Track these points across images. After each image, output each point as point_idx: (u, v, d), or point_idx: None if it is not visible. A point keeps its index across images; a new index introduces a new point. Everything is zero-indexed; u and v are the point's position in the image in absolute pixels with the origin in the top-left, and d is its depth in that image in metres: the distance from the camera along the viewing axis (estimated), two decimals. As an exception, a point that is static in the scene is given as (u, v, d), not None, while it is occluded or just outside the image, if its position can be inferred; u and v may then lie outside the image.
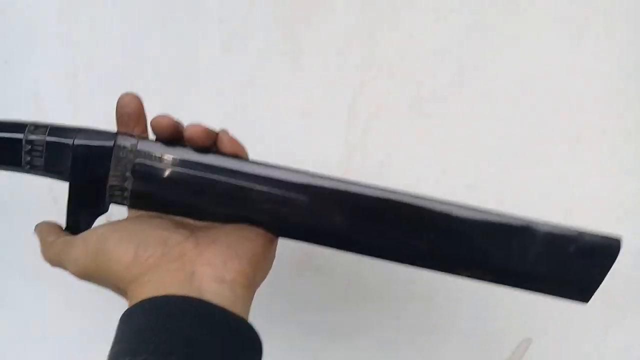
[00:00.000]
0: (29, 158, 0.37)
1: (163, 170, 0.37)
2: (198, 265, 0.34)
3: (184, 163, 0.37)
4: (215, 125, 0.38)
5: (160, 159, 0.37)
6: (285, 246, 0.51)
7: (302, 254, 0.61)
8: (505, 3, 0.50)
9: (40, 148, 0.37)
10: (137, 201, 0.38)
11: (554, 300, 0.38)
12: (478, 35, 0.51)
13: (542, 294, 0.38)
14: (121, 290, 0.36)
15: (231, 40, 0.53)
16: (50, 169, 0.37)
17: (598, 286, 0.37)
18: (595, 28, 0.49)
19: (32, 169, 0.38)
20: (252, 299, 0.36)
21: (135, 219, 0.38)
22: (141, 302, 0.32)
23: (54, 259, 0.38)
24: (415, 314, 0.63)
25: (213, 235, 0.36)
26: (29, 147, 0.37)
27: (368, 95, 0.54)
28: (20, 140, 0.37)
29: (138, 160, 0.37)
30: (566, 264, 0.36)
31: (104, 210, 0.39)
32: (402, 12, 0.51)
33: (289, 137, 0.56)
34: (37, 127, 0.37)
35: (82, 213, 0.38)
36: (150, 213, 0.39)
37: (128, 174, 0.37)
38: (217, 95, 0.55)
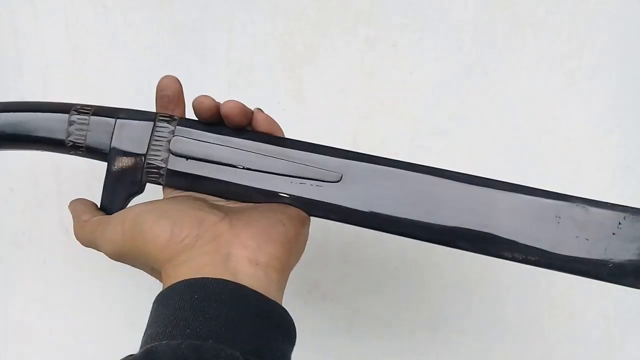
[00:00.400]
0: (72, 137, 0.38)
1: (200, 149, 0.38)
2: (233, 247, 0.33)
3: (220, 140, 0.38)
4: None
5: (197, 139, 0.38)
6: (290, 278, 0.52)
7: (309, 281, 0.63)
8: (500, 45, 0.52)
9: (84, 127, 0.38)
10: (174, 180, 0.38)
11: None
12: (477, 73, 0.53)
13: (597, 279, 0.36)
14: (155, 271, 0.36)
15: (238, 79, 0.56)
16: (92, 149, 0.39)
17: None
18: (586, 68, 0.51)
19: (75, 149, 0.39)
20: (285, 282, 0.35)
21: (170, 200, 0.38)
22: (177, 283, 0.32)
23: (87, 238, 0.38)
24: (420, 343, 0.64)
25: (247, 217, 0.36)
26: (73, 126, 0.38)
27: (370, 130, 0.56)
28: (65, 120, 0.38)
29: (176, 139, 0.38)
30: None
31: (141, 190, 0.39)
32: (403, 51, 0.54)
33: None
34: (82, 107, 0.39)
35: (118, 192, 0.38)
36: (185, 194, 0.39)
37: (166, 153, 0.38)
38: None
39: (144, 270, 0.37)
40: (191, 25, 0.55)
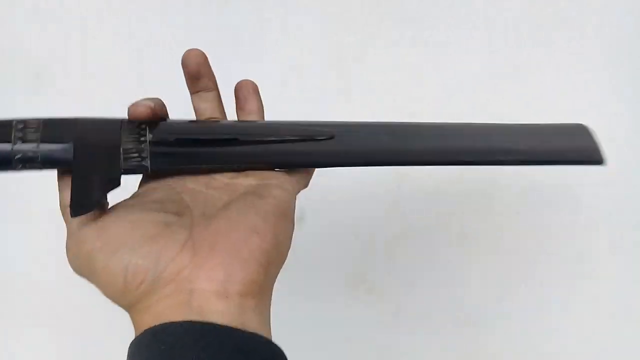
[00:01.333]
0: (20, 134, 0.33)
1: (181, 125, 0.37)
2: (197, 282, 0.29)
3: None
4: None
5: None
6: (340, 269, 0.54)
7: (356, 275, 0.64)
8: (549, 45, 0.52)
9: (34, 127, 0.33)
10: (158, 161, 0.35)
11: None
12: (524, 72, 0.54)
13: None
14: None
15: (290, 77, 0.58)
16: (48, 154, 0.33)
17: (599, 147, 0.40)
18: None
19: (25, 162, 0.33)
20: (268, 304, 0.32)
21: (125, 220, 0.32)
22: (143, 334, 0.29)
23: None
24: (465, 339, 0.64)
25: (214, 234, 0.31)
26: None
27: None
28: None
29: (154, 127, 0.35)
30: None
31: (117, 181, 0.33)
32: (450, 52, 0.55)
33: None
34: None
35: (91, 187, 0.32)
36: (143, 203, 0.34)
37: (144, 136, 0.35)
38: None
39: None
40: (246, 26, 0.58)
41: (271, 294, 0.32)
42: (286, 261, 0.33)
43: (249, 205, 0.32)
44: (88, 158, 0.33)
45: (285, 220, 0.33)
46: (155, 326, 0.28)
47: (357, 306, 0.66)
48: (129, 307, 0.31)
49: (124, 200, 0.34)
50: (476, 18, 0.55)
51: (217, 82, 0.40)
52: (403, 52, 0.57)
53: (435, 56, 0.56)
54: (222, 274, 0.29)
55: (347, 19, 0.57)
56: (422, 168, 0.44)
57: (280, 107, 0.60)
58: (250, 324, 0.29)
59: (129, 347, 0.30)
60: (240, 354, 0.27)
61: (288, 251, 0.34)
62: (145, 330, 0.29)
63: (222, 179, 0.36)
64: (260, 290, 0.30)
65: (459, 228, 0.62)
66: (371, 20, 0.56)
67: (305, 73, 0.58)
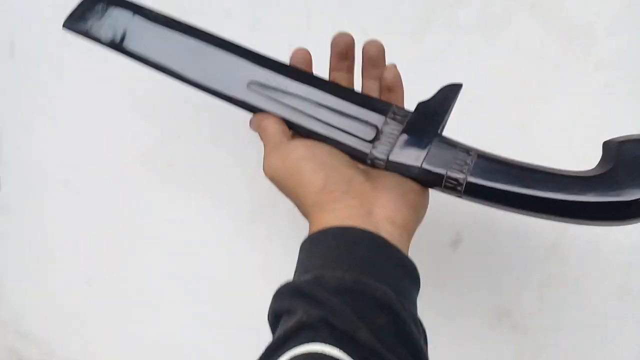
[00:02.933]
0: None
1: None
2: (375, 206, 0.38)
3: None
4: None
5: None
6: (482, 300, 0.55)
7: (502, 308, 0.64)
8: None
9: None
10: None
11: None
12: None
13: None
14: (300, 206, 0.41)
15: (469, 108, 0.60)
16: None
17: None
18: None
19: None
20: (409, 243, 0.40)
21: (327, 151, 0.41)
22: (329, 228, 0.37)
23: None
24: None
25: (387, 182, 0.40)
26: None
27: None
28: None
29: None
30: None
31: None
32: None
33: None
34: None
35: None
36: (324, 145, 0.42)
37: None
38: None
39: (288, 197, 0.42)
40: (436, 56, 0.61)
41: (410, 242, 0.40)
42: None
43: (404, 180, 0.41)
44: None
45: (424, 198, 0.42)
46: (341, 226, 0.36)
47: (499, 340, 0.65)
48: (313, 206, 0.39)
49: (313, 144, 0.42)
50: None
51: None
52: (592, 95, 0.56)
53: (629, 103, 0.54)
54: (392, 207, 0.38)
55: (539, 55, 0.57)
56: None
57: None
58: (403, 250, 0.37)
59: (308, 237, 0.38)
60: (400, 265, 0.36)
61: (420, 222, 0.42)
62: (331, 227, 0.37)
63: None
64: (411, 230, 0.39)
65: (623, 281, 0.60)
66: (564, 60, 0.56)
67: (486, 105, 0.60)
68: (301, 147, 0.41)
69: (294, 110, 0.43)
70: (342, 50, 0.44)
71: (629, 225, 0.38)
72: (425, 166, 0.40)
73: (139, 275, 0.79)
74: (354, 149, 0.42)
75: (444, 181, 0.40)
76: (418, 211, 0.40)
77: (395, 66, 0.44)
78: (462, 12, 0.59)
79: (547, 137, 0.58)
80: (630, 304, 0.60)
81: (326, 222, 0.37)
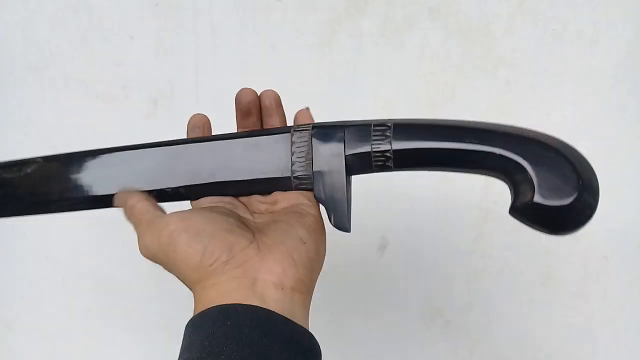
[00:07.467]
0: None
1: None
2: (260, 272, 0.35)
3: None
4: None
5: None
6: (413, 301, 0.55)
7: (433, 307, 0.65)
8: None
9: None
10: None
11: None
12: (616, 117, 0.53)
13: None
14: (185, 283, 0.38)
15: (382, 113, 0.61)
16: None
17: None
18: None
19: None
20: (309, 303, 0.37)
21: (204, 216, 0.39)
22: (209, 309, 0.33)
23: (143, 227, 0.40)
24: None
25: (272, 239, 0.37)
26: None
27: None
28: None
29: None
30: None
31: None
32: (541, 94, 0.55)
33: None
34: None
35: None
36: (217, 204, 0.41)
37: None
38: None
39: (170, 273, 0.39)
40: (345, 65, 0.62)
41: (309, 304, 0.37)
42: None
43: (294, 220, 0.39)
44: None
45: (321, 237, 0.39)
46: (222, 305, 0.33)
47: (433, 338, 0.66)
48: (196, 282, 0.36)
49: (186, 212, 0.40)
50: (571, 62, 0.55)
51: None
52: (495, 92, 0.58)
53: (528, 97, 0.57)
54: (280, 269, 0.35)
55: (443, 59, 0.59)
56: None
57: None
58: (297, 315, 0.34)
59: (191, 321, 0.34)
60: (292, 343, 0.33)
61: (321, 269, 0.39)
62: (212, 307, 0.34)
63: (260, 207, 0.42)
64: (307, 290, 0.36)
65: (544, 268, 0.62)
66: (466, 61, 0.59)
67: (398, 109, 0.61)
68: (175, 219, 0.38)
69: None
70: (245, 108, 0.43)
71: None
72: (349, 152, 0.40)
73: None
74: (276, 179, 0.41)
75: (372, 160, 0.39)
76: (312, 263, 0.37)
77: (272, 90, 0.44)
78: (365, 22, 0.60)
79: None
80: (554, 288, 0.62)
81: (208, 300, 0.34)
